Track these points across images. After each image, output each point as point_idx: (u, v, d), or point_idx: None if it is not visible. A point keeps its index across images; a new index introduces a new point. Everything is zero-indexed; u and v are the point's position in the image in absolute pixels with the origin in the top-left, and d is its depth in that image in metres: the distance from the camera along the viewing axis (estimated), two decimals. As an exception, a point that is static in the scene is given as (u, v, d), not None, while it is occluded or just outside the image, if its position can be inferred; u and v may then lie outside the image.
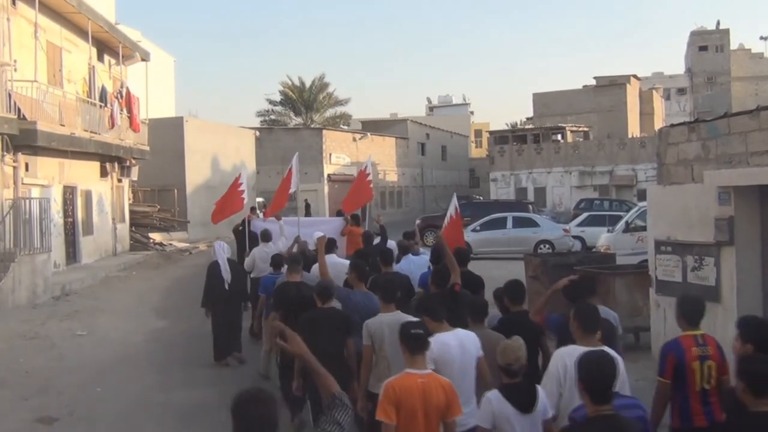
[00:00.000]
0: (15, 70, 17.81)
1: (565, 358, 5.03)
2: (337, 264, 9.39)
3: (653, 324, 10.54)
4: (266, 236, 12.51)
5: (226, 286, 10.97)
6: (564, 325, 5.63)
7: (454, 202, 10.84)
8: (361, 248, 11.21)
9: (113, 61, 26.50)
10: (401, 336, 5.05)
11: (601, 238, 21.18)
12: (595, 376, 3.94)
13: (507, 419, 4.69)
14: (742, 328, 5.00)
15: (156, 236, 29.36)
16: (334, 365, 4.46)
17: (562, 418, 4.87)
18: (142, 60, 28.20)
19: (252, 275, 12.23)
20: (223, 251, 11.17)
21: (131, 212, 28.19)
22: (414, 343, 4.98)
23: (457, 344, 5.55)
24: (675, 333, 9.84)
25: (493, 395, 4.80)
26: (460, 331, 5.70)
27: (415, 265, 9.85)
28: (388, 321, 6.14)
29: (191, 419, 9.10)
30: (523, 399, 4.73)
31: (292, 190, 14.20)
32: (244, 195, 14.51)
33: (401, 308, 6.47)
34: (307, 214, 34.54)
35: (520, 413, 4.68)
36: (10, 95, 17.16)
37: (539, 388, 4.90)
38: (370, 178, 14.66)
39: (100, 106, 23.16)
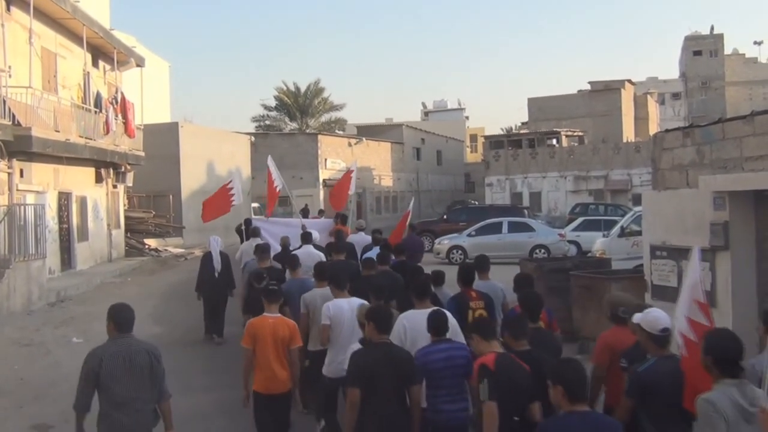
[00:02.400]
0: (10, 76, 17.79)
1: (404, 320, 6.51)
2: (312, 254, 11.18)
3: (649, 329, 10.55)
4: (255, 232, 13.51)
5: (216, 275, 12.87)
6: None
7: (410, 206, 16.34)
8: (332, 242, 12.51)
9: (108, 66, 26.46)
10: (262, 291, 7.26)
11: (597, 242, 21.20)
12: (432, 323, 5.91)
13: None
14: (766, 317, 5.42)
15: (151, 242, 29.31)
16: None
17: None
18: (137, 65, 28.18)
19: (241, 266, 12.89)
20: (217, 244, 12.98)
21: (126, 218, 28.15)
22: (268, 295, 7.19)
23: (348, 308, 7.08)
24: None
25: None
26: (354, 299, 7.32)
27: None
28: (321, 293, 7.96)
29: (187, 426, 9.06)
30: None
31: (278, 187, 15.17)
32: (234, 199, 15.07)
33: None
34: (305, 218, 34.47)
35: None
36: (4, 101, 17.12)
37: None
38: (353, 181, 16.90)
39: (95, 112, 23.13)
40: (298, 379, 7.19)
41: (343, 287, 7.52)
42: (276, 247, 12.46)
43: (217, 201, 15.27)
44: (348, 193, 16.97)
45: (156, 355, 5.77)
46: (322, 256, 11.09)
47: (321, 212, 18.85)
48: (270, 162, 15.40)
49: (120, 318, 5.62)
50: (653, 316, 5.39)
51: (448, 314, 6.34)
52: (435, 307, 6.44)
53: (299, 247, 11.67)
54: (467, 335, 5.98)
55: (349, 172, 17.20)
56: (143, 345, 5.74)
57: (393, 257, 10.41)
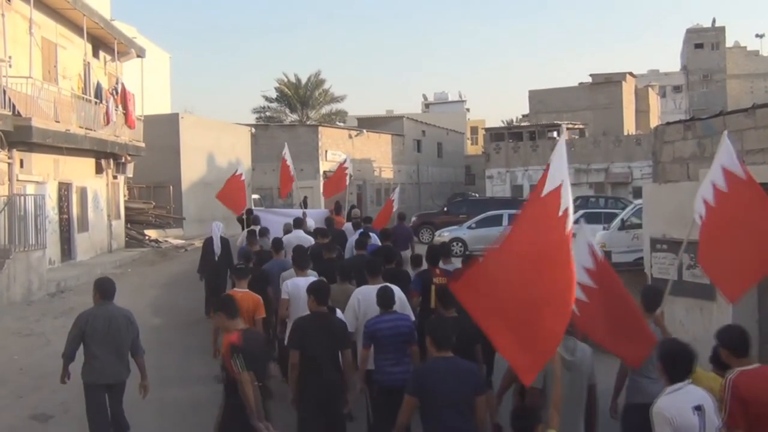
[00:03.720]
0: (10, 66, 17.75)
1: (358, 294, 7.51)
2: (302, 237, 12.34)
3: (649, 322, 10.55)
4: (255, 221, 14.82)
5: (216, 258, 13.65)
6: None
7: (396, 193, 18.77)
8: (318, 227, 13.62)
9: (108, 57, 26.40)
10: (232, 270, 9.45)
11: (597, 235, 21.14)
12: (380, 298, 6.86)
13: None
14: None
15: (151, 233, 29.29)
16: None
17: (359, 331, 7.15)
18: (138, 56, 28.09)
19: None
20: (218, 230, 13.90)
21: (126, 209, 28.12)
22: (237, 272, 8.61)
23: (304, 285, 7.41)
24: (670, 330, 9.86)
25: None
26: (310, 278, 8.25)
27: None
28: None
29: (186, 416, 9.10)
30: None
31: (293, 172, 16.96)
32: (245, 197, 16.69)
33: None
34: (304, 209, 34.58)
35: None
36: (4, 91, 17.09)
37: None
38: (347, 173, 18.29)
39: (96, 103, 23.09)
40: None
41: (304, 267, 8.74)
42: (277, 234, 13.18)
43: (232, 196, 16.32)
44: (342, 185, 18.59)
45: (130, 319, 7.41)
46: (311, 240, 12.18)
47: (305, 199, 22.13)
48: (286, 150, 17.13)
49: (103, 288, 7.43)
50: None
51: (396, 290, 7.27)
52: (385, 284, 7.31)
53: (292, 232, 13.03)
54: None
55: (342, 167, 18.79)
56: (121, 310, 7.42)
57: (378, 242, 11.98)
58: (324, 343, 6.45)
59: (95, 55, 25.20)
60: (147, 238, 28.43)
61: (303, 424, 6.60)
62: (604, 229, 21.63)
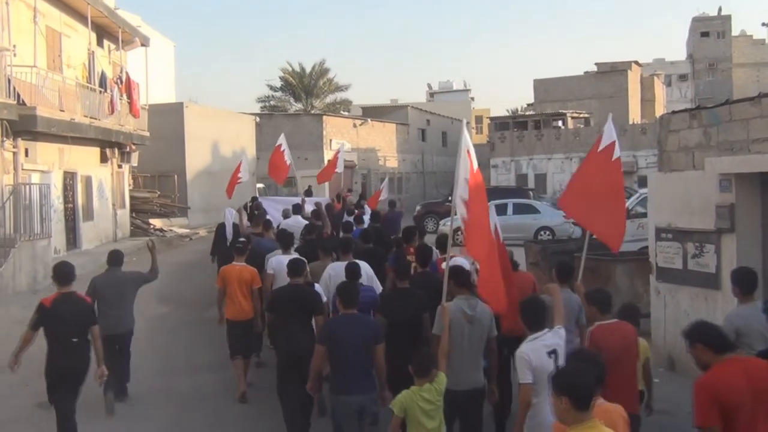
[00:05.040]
0: (14, 55, 17.73)
1: (330, 269, 8.52)
2: (300, 222, 13.28)
3: (653, 311, 10.55)
4: (257, 207, 15.85)
5: (227, 243, 13.65)
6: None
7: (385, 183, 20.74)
8: (314, 210, 14.77)
9: (113, 46, 26.38)
10: (232, 246, 10.49)
11: (602, 224, 21.11)
12: (347, 272, 7.72)
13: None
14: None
15: (156, 222, 29.32)
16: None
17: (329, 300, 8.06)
18: (142, 45, 28.05)
19: None
20: (230, 216, 14.31)
21: (131, 198, 28.15)
22: (236, 249, 9.79)
23: (286, 262, 8.24)
24: (675, 319, 9.88)
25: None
26: (292, 255, 9.10)
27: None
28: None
29: (192, 405, 9.14)
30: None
31: (288, 162, 17.06)
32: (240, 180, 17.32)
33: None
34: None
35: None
36: (9, 80, 17.08)
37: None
38: (339, 162, 19.17)
39: (100, 92, 23.08)
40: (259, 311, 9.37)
41: (287, 247, 9.72)
42: (279, 220, 14.19)
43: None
44: (334, 171, 19.60)
45: (133, 277, 9.36)
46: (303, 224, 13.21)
47: (309, 188, 22.44)
48: (282, 139, 17.29)
49: (110, 258, 9.27)
50: None
51: (364, 265, 8.34)
52: (354, 260, 8.32)
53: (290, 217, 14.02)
54: None
55: (336, 155, 19.86)
56: (125, 274, 9.31)
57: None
58: (295, 310, 7.40)
59: (99, 44, 25.19)
60: (152, 227, 28.45)
61: (280, 380, 7.58)
62: (609, 218, 21.57)
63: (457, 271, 6.61)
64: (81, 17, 22.54)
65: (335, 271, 8.34)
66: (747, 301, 6.34)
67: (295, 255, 9.20)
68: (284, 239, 9.94)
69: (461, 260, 7.76)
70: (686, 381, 7.79)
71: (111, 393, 8.70)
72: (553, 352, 5.45)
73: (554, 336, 5.58)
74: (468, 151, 6.63)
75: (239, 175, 17.04)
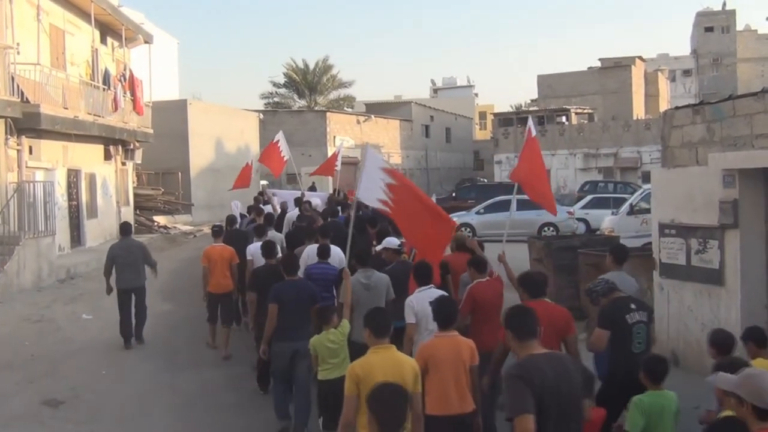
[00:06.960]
0: (18, 53, 17.75)
1: (307, 251, 9.69)
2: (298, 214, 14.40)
3: (657, 306, 10.51)
4: (258, 201, 16.78)
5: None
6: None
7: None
8: (307, 200, 15.55)
9: (116, 43, 26.38)
10: (211, 229, 12.48)
11: (606, 220, 21.13)
12: (318, 252, 9.17)
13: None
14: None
15: (160, 219, 29.38)
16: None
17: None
18: (146, 42, 28.05)
19: None
20: (237, 208, 15.82)
21: (135, 195, 28.17)
22: (213, 232, 11.97)
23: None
24: (678, 315, 9.86)
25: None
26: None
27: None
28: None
29: (197, 401, 9.16)
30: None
31: (285, 157, 17.58)
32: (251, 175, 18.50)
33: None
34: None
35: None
36: (13, 78, 17.11)
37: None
38: (338, 160, 19.67)
39: (104, 89, 23.10)
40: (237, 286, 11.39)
41: (261, 236, 11.20)
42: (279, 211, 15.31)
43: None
44: (333, 168, 20.07)
45: (141, 246, 12.09)
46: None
47: (313, 185, 23.88)
48: (280, 135, 17.94)
49: (122, 228, 12.21)
50: None
51: (335, 248, 9.46)
52: (326, 243, 9.47)
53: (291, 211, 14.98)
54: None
55: (335, 154, 20.45)
56: (135, 241, 12.23)
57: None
58: (271, 286, 8.14)
59: (103, 41, 25.18)
60: (156, 224, 28.51)
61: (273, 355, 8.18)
62: (612, 213, 21.57)
63: (359, 254, 8.25)
64: (84, 15, 22.55)
65: (310, 252, 9.61)
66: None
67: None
68: (259, 230, 11.71)
69: (392, 240, 9.14)
70: (690, 377, 7.79)
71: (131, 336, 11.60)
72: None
73: (437, 290, 6.93)
74: (383, 169, 8.17)
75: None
